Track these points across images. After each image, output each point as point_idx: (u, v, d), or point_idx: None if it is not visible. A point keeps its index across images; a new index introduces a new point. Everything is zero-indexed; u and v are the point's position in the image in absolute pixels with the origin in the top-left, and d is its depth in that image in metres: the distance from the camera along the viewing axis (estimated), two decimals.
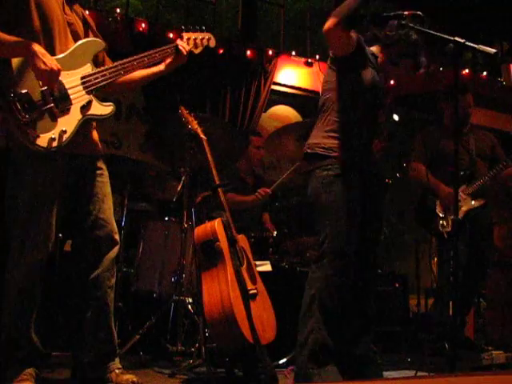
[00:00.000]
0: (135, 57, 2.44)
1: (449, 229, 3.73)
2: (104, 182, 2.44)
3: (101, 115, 2.32)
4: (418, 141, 4.11)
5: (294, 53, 6.51)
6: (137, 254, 3.61)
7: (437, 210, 3.81)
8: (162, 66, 2.61)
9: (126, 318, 3.30)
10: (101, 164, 2.45)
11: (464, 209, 3.75)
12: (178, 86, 5.26)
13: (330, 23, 2.35)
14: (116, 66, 2.37)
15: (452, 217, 3.73)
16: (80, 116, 2.24)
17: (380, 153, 3.76)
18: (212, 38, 2.80)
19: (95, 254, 2.38)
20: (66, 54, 2.27)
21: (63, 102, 2.20)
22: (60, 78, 2.19)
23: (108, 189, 2.45)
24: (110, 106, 2.34)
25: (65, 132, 2.18)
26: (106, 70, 2.34)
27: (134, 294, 3.54)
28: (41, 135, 2.12)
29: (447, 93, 4.10)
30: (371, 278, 2.65)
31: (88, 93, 2.28)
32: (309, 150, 2.59)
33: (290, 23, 7.71)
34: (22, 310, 2.22)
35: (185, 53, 2.61)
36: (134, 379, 2.35)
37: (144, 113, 5.70)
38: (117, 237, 2.45)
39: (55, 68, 2.13)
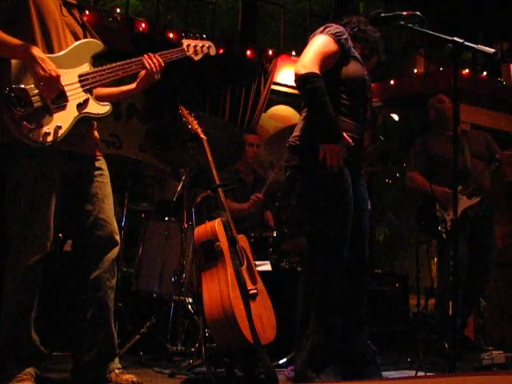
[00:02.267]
0: (127, 60, 2.43)
1: (447, 229, 3.74)
2: (104, 182, 2.44)
3: (97, 114, 2.32)
4: (412, 151, 4.16)
5: (294, 53, 6.51)
6: (137, 253, 3.61)
7: (435, 212, 3.83)
8: (133, 85, 2.56)
9: (126, 318, 3.30)
10: (101, 164, 2.45)
11: (460, 208, 3.76)
12: (178, 86, 5.26)
13: (297, 74, 2.39)
14: (114, 67, 2.37)
15: (450, 217, 3.76)
16: (76, 113, 2.24)
17: (369, 148, 3.79)
18: (212, 46, 2.78)
19: (95, 255, 2.39)
20: (64, 52, 2.28)
21: (59, 98, 2.20)
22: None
23: (108, 189, 2.46)
24: (106, 105, 2.34)
25: (60, 127, 2.18)
26: (104, 70, 2.34)
27: (134, 294, 3.54)
28: (36, 129, 2.12)
29: (432, 97, 4.16)
30: (363, 275, 2.63)
31: (85, 91, 2.29)
32: (298, 143, 2.52)
33: (289, 23, 7.69)
34: (22, 310, 2.22)
35: (149, 70, 2.47)
36: (134, 379, 2.35)
37: (144, 113, 5.70)
38: (117, 237, 2.45)
39: (54, 74, 2.14)
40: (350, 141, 2.40)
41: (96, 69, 2.34)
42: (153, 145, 3.60)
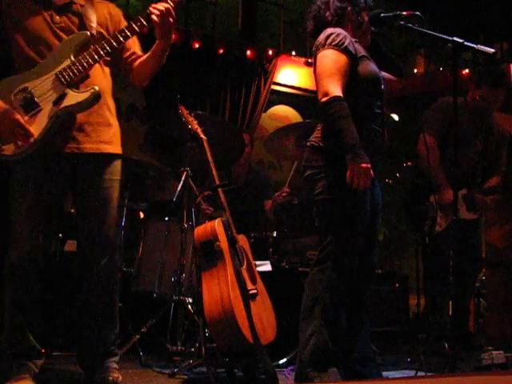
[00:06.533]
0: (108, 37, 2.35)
1: (439, 229, 3.58)
2: (104, 180, 2.42)
3: (77, 103, 2.26)
4: (434, 110, 3.72)
5: (294, 53, 6.52)
6: (137, 254, 3.61)
7: (425, 207, 3.65)
8: (157, 41, 2.43)
9: (126, 318, 3.30)
10: (106, 163, 2.42)
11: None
12: (178, 86, 5.26)
13: (321, 103, 2.38)
14: (95, 50, 2.28)
15: (439, 221, 3.59)
16: (51, 113, 2.24)
17: (387, 144, 3.65)
18: None
19: (89, 260, 2.42)
20: (45, 59, 2.29)
21: (30, 106, 2.24)
22: (29, 87, 2.25)
23: (111, 189, 2.43)
24: (88, 90, 2.26)
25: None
26: (82, 57, 2.28)
27: (134, 294, 3.54)
28: (7, 144, 2.21)
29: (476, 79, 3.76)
30: (370, 278, 2.64)
31: (64, 86, 2.26)
32: (320, 144, 2.49)
33: (289, 23, 7.68)
34: (14, 307, 2.28)
35: (158, 15, 2.28)
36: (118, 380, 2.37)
37: (144, 113, 5.70)
38: (111, 246, 2.44)
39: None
40: (372, 174, 2.36)
41: (75, 60, 2.27)
42: (153, 145, 3.59)
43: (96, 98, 2.27)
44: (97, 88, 2.27)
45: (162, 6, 2.28)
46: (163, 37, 2.38)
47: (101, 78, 2.41)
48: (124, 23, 2.47)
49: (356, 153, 2.31)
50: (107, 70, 2.48)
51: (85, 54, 2.28)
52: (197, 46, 5.98)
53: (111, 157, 2.43)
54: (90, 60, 2.27)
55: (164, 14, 2.28)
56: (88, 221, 2.40)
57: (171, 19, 2.30)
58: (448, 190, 3.51)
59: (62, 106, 2.25)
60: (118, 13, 2.54)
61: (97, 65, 2.37)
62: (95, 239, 2.39)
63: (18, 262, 2.27)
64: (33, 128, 2.22)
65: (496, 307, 4.37)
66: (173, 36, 2.40)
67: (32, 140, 2.21)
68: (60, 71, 2.27)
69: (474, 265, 3.88)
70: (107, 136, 2.42)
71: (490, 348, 3.55)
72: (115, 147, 2.45)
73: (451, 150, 3.15)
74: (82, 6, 2.42)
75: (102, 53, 2.28)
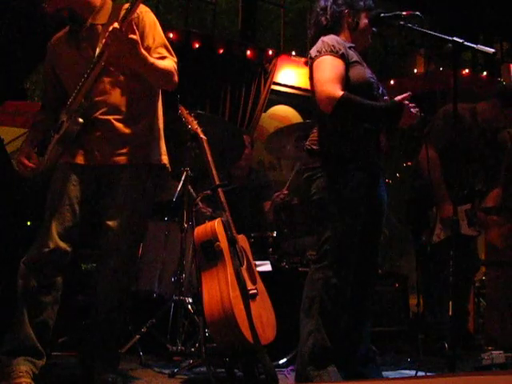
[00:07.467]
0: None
1: (437, 239, 3.58)
2: (120, 190, 2.42)
3: (62, 133, 2.40)
4: (439, 121, 3.61)
5: (294, 53, 6.52)
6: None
7: (427, 213, 3.65)
8: None
9: (126, 318, 3.30)
10: (115, 174, 2.42)
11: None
12: (177, 86, 5.25)
13: (328, 111, 2.39)
14: (88, 75, 2.35)
15: (438, 232, 3.59)
16: (53, 142, 2.44)
17: (386, 148, 3.63)
18: None
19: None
20: None
21: (49, 139, 2.49)
22: (60, 119, 2.45)
23: (118, 198, 2.41)
24: (68, 120, 2.39)
25: (43, 161, 2.47)
26: (81, 83, 2.36)
27: (134, 294, 3.54)
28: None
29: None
30: (372, 278, 2.64)
31: (64, 116, 2.42)
32: (314, 147, 2.54)
33: (290, 23, 7.70)
34: (18, 304, 2.30)
35: (105, 36, 2.22)
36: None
37: None
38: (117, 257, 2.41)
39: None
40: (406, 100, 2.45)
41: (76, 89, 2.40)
42: None
43: (77, 125, 2.37)
44: (73, 118, 2.36)
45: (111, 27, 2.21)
46: (125, 56, 2.26)
47: (112, 93, 2.43)
48: (147, 31, 2.42)
49: (392, 105, 2.42)
50: (124, 79, 2.44)
51: (83, 80, 2.36)
52: (197, 45, 5.99)
53: (120, 168, 2.43)
54: (79, 87, 2.37)
55: (109, 36, 2.20)
56: (101, 226, 2.42)
57: (116, 41, 2.20)
58: (449, 205, 3.42)
59: (59, 134, 2.42)
60: (143, 23, 2.41)
61: (107, 80, 2.40)
62: (104, 244, 2.39)
63: (31, 261, 2.31)
64: (47, 154, 2.45)
65: (496, 307, 4.36)
66: (141, 55, 2.26)
67: (35, 169, 2.46)
68: (68, 104, 2.41)
69: (471, 266, 3.89)
70: (117, 149, 2.42)
71: (489, 348, 3.55)
72: (123, 158, 2.43)
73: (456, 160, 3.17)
74: (103, 25, 2.40)
75: (81, 82, 2.36)
